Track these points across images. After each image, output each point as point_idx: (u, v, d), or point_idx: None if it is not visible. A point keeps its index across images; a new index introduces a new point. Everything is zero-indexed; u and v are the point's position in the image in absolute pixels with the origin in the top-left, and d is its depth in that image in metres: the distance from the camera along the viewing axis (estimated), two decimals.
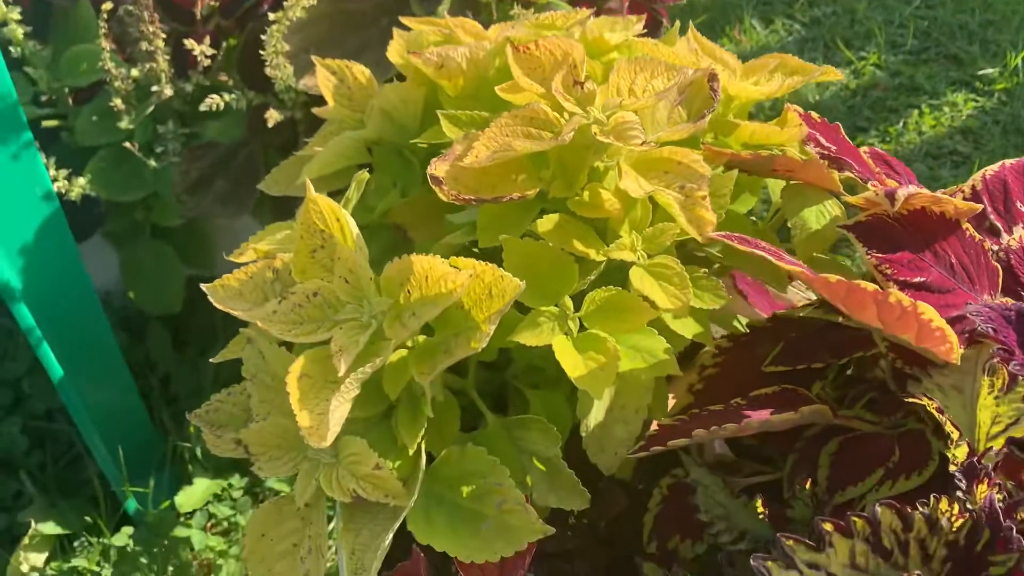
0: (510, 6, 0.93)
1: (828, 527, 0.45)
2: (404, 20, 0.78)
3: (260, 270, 0.65)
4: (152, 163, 0.96)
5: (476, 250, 0.66)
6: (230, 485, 1.07)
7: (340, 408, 0.52)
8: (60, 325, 0.93)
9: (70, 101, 1.05)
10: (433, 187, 0.57)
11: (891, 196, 0.56)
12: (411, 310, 0.57)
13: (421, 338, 0.60)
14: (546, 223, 0.59)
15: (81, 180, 0.96)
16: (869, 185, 0.64)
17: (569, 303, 0.60)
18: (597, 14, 1.13)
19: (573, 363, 0.57)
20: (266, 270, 0.65)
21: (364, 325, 0.57)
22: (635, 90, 0.62)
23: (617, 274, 0.64)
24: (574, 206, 0.61)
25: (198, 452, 1.07)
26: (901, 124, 1.75)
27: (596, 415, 0.62)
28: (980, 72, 1.85)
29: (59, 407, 1.12)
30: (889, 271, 0.55)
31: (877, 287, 0.50)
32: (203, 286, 0.64)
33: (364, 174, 0.66)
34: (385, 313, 0.57)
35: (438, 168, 0.58)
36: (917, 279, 0.56)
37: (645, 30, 0.78)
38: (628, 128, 0.57)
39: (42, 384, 1.12)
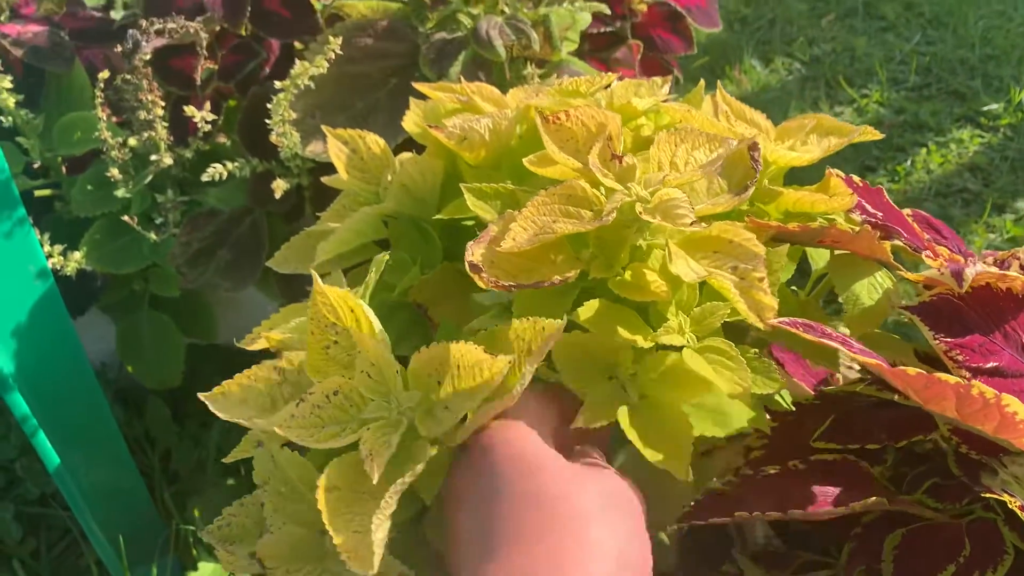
0: (523, 66, 0.89)
1: None
2: (418, 86, 0.74)
3: (265, 372, 0.61)
4: (152, 236, 0.92)
5: None
6: None
7: (382, 528, 0.48)
8: (55, 410, 0.88)
9: (63, 170, 1.01)
10: (472, 275, 0.53)
11: (958, 276, 0.52)
12: (444, 403, 0.52)
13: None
14: (587, 311, 0.55)
15: (77, 254, 0.92)
16: (924, 256, 0.60)
17: (625, 370, 0.56)
18: (606, 67, 1.11)
19: (643, 436, 0.52)
20: (271, 372, 0.61)
21: (394, 423, 0.52)
22: (676, 163, 0.58)
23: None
24: (616, 287, 0.57)
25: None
26: (909, 163, 1.73)
27: None
28: (984, 108, 1.84)
29: (53, 490, 1.06)
30: (960, 357, 0.51)
31: (958, 380, 0.46)
32: (202, 396, 0.59)
33: (384, 256, 0.62)
34: (415, 408, 0.53)
35: (475, 253, 0.54)
36: (990, 364, 0.52)
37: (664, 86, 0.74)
38: (675, 206, 0.53)
39: (35, 466, 1.06)
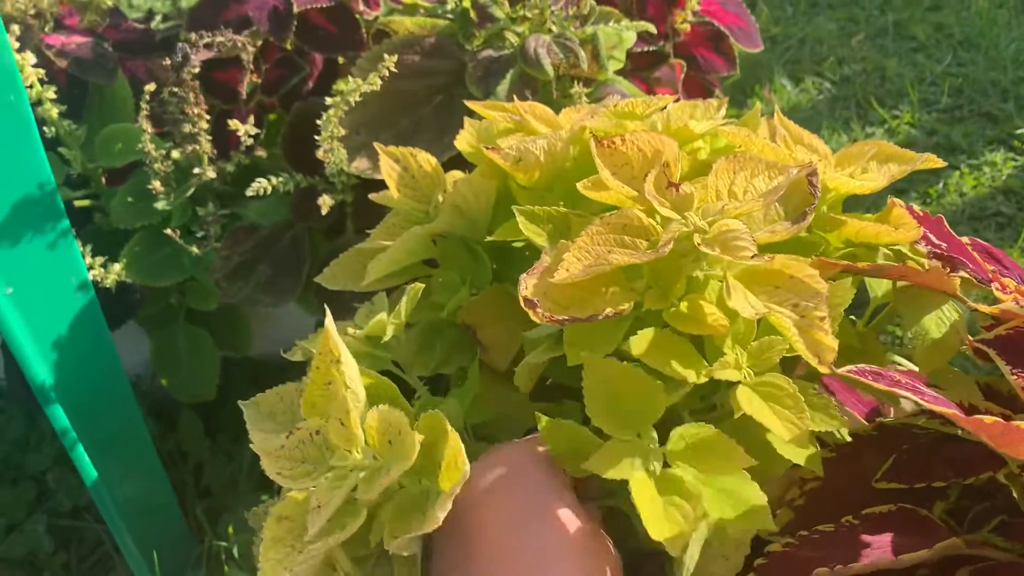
0: (570, 84, 0.89)
1: None
2: (470, 105, 0.74)
3: (291, 391, 0.60)
4: (193, 249, 0.91)
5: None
6: None
7: None
8: (92, 422, 0.88)
9: (103, 181, 1.01)
10: (526, 309, 0.52)
11: None
12: (387, 466, 0.51)
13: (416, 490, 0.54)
14: (640, 343, 0.53)
15: (116, 266, 0.91)
16: (993, 288, 0.59)
17: (653, 435, 0.54)
18: (648, 86, 1.09)
19: (652, 508, 0.50)
20: (296, 392, 0.60)
21: (344, 478, 0.51)
22: (735, 191, 0.57)
23: (708, 386, 0.58)
24: (671, 319, 0.56)
25: (235, 552, 1.00)
26: (941, 185, 1.71)
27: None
28: (1018, 131, 1.82)
29: (85, 503, 1.06)
30: None
31: None
32: (241, 403, 0.59)
33: (418, 287, 0.62)
34: (368, 466, 0.52)
35: (528, 286, 0.52)
36: None
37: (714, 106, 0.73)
38: (735, 238, 0.52)
39: (68, 478, 1.06)
